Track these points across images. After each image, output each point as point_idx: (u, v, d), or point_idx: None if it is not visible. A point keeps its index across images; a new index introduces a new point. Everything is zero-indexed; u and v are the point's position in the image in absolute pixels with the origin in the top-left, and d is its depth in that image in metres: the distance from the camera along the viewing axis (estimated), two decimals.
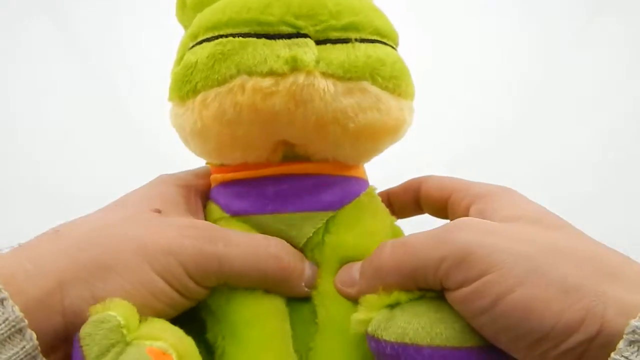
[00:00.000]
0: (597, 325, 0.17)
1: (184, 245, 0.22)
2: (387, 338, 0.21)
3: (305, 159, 0.25)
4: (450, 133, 0.76)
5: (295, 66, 0.21)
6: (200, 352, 0.22)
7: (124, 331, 0.19)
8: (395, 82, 0.23)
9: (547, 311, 0.18)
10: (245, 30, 0.21)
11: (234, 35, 0.22)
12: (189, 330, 0.23)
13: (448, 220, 0.28)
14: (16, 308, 0.19)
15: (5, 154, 0.74)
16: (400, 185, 0.31)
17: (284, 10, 0.21)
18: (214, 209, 0.27)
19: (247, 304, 0.24)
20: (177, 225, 0.23)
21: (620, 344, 0.17)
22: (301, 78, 0.21)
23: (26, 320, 0.19)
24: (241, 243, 0.23)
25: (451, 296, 0.21)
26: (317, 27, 0.21)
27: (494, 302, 0.19)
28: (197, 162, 0.30)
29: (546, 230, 0.21)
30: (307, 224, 0.25)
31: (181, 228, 0.23)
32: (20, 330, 0.19)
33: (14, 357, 0.18)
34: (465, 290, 0.20)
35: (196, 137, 0.24)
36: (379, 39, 0.23)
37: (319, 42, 0.22)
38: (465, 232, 0.21)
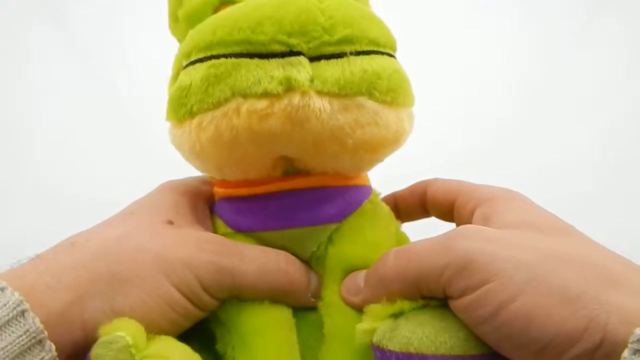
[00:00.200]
0: (601, 333, 0.17)
1: (202, 259, 0.23)
2: (392, 348, 0.21)
3: (306, 172, 0.25)
4: (450, 133, 0.76)
5: (289, 86, 0.20)
6: None
7: (133, 351, 0.20)
8: (393, 94, 0.23)
9: (549, 320, 0.18)
10: (237, 50, 0.21)
11: (226, 56, 0.21)
12: (198, 342, 0.24)
13: (454, 224, 0.28)
14: (37, 320, 0.19)
15: (5, 154, 0.74)
16: (406, 188, 0.31)
17: (275, 28, 0.21)
18: (219, 224, 0.27)
19: (256, 315, 0.24)
20: (194, 238, 0.24)
21: (625, 353, 0.17)
22: (296, 99, 0.21)
23: (46, 332, 0.19)
24: (254, 257, 0.24)
25: (454, 304, 0.21)
26: (310, 44, 0.21)
27: (496, 311, 0.19)
28: None
29: (549, 236, 0.21)
30: (311, 240, 0.25)
31: (198, 242, 0.24)
32: (40, 342, 0.19)
33: None
34: (467, 298, 0.20)
35: (195, 158, 0.24)
36: (375, 49, 0.23)
37: (312, 59, 0.21)
38: (467, 240, 0.21)
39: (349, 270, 0.25)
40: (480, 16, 0.83)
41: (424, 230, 0.31)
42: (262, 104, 0.21)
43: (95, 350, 0.20)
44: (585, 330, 0.18)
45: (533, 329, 0.18)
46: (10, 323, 0.19)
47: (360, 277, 0.25)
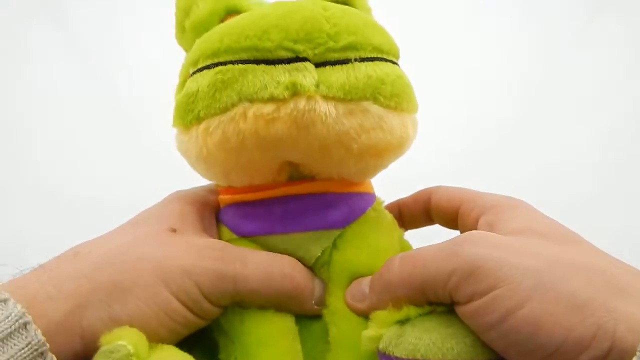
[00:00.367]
0: (609, 341, 0.17)
1: (203, 265, 0.23)
2: (398, 354, 0.21)
3: (311, 178, 0.25)
4: (450, 133, 0.76)
5: (295, 91, 0.21)
6: None
7: (134, 359, 0.20)
8: (397, 99, 0.23)
9: (557, 327, 0.18)
10: (244, 57, 0.21)
11: (233, 63, 0.22)
12: (200, 351, 0.24)
13: (458, 231, 0.28)
14: (39, 332, 0.19)
15: (5, 154, 0.74)
16: (410, 196, 0.31)
17: (281, 35, 0.21)
18: (224, 231, 0.27)
19: (259, 324, 0.24)
20: (195, 245, 0.24)
21: None
22: (302, 103, 0.21)
23: (48, 345, 0.19)
24: (257, 263, 0.24)
25: (461, 310, 0.20)
26: (316, 50, 0.21)
27: (503, 317, 0.19)
28: None
29: (554, 243, 0.21)
30: (315, 244, 0.25)
31: (199, 249, 0.24)
32: (42, 354, 0.19)
33: None
34: (474, 304, 0.20)
35: (202, 163, 0.25)
36: (378, 56, 0.23)
37: (318, 65, 0.21)
38: (475, 245, 0.21)
39: (353, 277, 0.25)
40: (480, 17, 0.83)
41: (427, 238, 0.31)
42: (268, 108, 0.21)
43: (97, 359, 0.20)
44: (594, 337, 0.17)
45: (541, 335, 0.18)
46: (12, 335, 0.19)
47: (365, 283, 0.24)
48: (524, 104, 0.80)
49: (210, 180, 0.28)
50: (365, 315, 0.24)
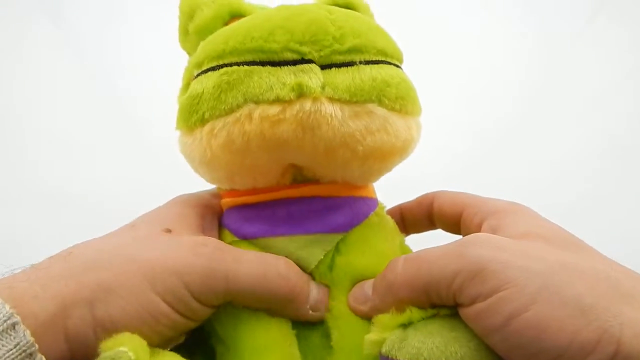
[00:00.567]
0: (614, 345, 0.17)
1: (193, 263, 0.22)
2: (401, 358, 0.21)
3: (315, 181, 0.25)
4: (450, 134, 0.76)
5: (301, 93, 0.21)
6: None
7: None
8: (401, 102, 0.23)
9: (562, 331, 0.18)
10: (250, 58, 0.21)
11: (238, 64, 0.22)
12: (202, 357, 0.24)
13: (460, 236, 0.28)
14: (27, 332, 0.19)
15: (5, 154, 0.74)
16: (412, 200, 0.31)
17: (287, 37, 0.21)
18: (226, 234, 0.27)
19: (254, 331, 0.24)
20: (187, 243, 0.23)
21: None
22: (308, 105, 0.21)
23: (36, 345, 0.19)
24: (250, 261, 0.23)
25: (465, 312, 0.20)
26: (322, 52, 0.21)
27: (507, 320, 0.19)
28: None
29: (559, 248, 0.21)
30: (318, 247, 0.25)
31: (191, 246, 0.23)
32: (30, 355, 0.19)
33: None
34: (478, 306, 0.20)
35: (206, 166, 0.24)
36: (383, 59, 0.23)
37: (323, 67, 0.22)
38: (480, 247, 0.21)
39: (356, 281, 0.25)
40: (480, 17, 0.83)
41: (429, 242, 0.31)
42: (274, 109, 0.21)
43: None
44: (599, 342, 0.17)
45: (545, 339, 0.18)
46: (0, 336, 0.18)
47: (367, 285, 0.24)
48: (524, 104, 0.80)
49: (213, 183, 0.28)
50: (367, 318, 0.24)
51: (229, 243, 0.26)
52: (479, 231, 0.25)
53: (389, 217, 0.29)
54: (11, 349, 0.18)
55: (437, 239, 0.30)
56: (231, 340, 0.24)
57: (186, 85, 0.26)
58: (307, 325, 0.25)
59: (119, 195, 0.72)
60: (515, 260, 0.20)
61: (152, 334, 0.21)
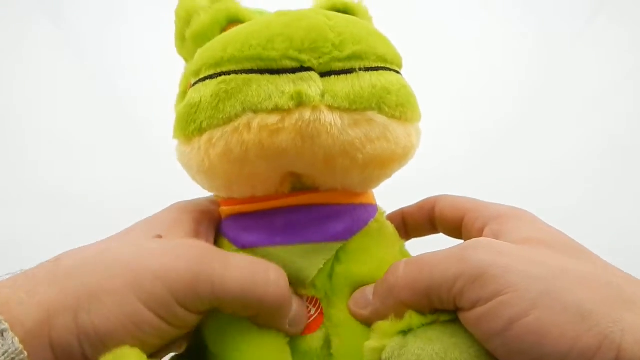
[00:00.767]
0: (615, 351, 0.17)
1: (177, 267, 0.21)
2: None
3: (314, 188, 0.25)
4: (449, 134, 0.76)
5: (300, 101, 0.21)
6: None
7: None
8: (401, 109, 0.23)
9: (562, 337, 0.18)
10: (248, 66, 0.21)
11: (236, 72, 0.21)
12: None
13: (462, 240, 0.28)
14: (16, 340, 0.18)
15: (5, 154, 0.74)
16: (414, 204, 0.31)
17: (286, 44, 0.21)
18: (224, 243, 0.27)
19: (246, 344, 0.23)
20: (173, 246, 0.23)
21: None
22: (307, 113, 0.21)
23: (26, 353, 0.19)
24: (238, 265, 0.23)
25: (465, 316, 0.20)
26: (321, 60, 0.21)
27: (508, 324, 0.19)
28: None
29: (561, 254, 0.21)
30: (318, 256, 0.25)
31: (176, 249, 0.22)
32: None
33: None
34: (479, 310, 0.19)
35: (204, 175, 0.24)
36: (382, 65, 0.23)
37: (323, 74, 0.21)
38: (481, 251, 0.21)
39: (356, 289, 0.25)
40: (480, 17, 0.83)
41: (430, 246, 0.31)
42: (273, 118, 0.21)
43: None
44: (599, 348, 0.17)
45: (545, 344, 0.18)
46: None
47: (368, 290, 0.24)
48: (524, 104, 0.80)
49: (211, 191, 0.28)
50: (368, 323, 0.24)
51: None
52: (481, 236, 0.25)
53: (388, 222, 0.29)
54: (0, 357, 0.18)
55: (438, 243, 0.31)
56: (222, 354, 0.23)
57: (183, 93, 0.25)
58: (307, 333, 0.25)
59: (119, 195, 0.72)
60: (516, 265, 0.20)
61: (138, 344, 0.21)
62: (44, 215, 0.71)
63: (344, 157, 0.22)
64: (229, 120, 0.21)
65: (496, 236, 0.24)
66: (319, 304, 0.26)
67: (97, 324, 0.20)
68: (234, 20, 0.25)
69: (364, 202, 0.27)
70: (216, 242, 0.27)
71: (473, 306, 0.20)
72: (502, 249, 0.21)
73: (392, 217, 0.31)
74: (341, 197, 0.26)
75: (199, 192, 0.30)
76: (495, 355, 0.20)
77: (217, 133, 0.22)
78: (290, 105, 0.21)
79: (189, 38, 0.26)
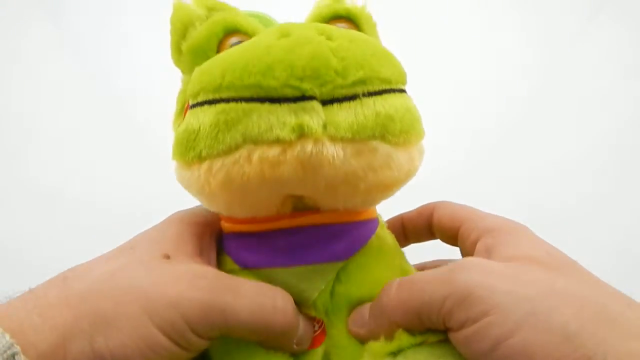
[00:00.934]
0: None
1: (192, 297, 0.22)
2: None
3: (315, 209, 0.25)
4: (449, 134, 0.76)
5: (302, 133, 0.20)
6: None
7: None
8: (405, 136, 0.22)
9: (547, 357, 0.18)
10: (247, 94, 0.20)
11: (236, 100, 0.21)
12: None
13: (459, 248, 0.28)
14: None
15: (5, 154, 0.74)
16: (413, 210, 0.31)
17: (287, 72, 0.20)
18: (227, 260, 0.27)
19: None
20: (185, 274, 0.23)
21: None
22: (309, 146, 0.20)
23: None
24: (248, 294, 0.23)
25: (454, 337, 0.21)
26: (323, 89, 0.20)
27: (495, 345, 0.19)
28: None
29: (550, 271, 0.21)
30: (319, 277, 0.25)
31: (189, 278, 0.23)
32: None
33: None
34: (467, 330, 0.20)
35: (204, 198, 0.24)
36: (387, 87, 0.22)
37: (325, 102, 0.21)
38: (468, 272, 0.21)
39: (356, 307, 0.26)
40: (479, 16, 0.83)
41: (429, 250, 0.31)
42: (274, 151, 0.20)
43: None
44: None
45: None
46: None
47: (365, 310, 0.25)
48: (524, 104, 0.80)
49: (211, 210, 0.27)
50: (365, 342, 0.24)
51: (230, 270, 0.26)
52: (475, 247, 0.25)
53: (388, 234, 0.29)
54: None
55: (437, 249, 0.31)
56: None
57: (181, 110, 0.25)
58: (310, 349, 0.25)
59: (119, 195, 0.72)
60: (502, 285, 0.20)
61: None
62: (43, 215, 0.71)
63: (346, 185, 0.22)
64: (229, 151, 0.21)
65: (489, 250, 0.24)
66: (322, 322, 0.26)
67: (114, 348, 0.20)
68: (231, 32, 0.25)
69: (366, 218, 0.27)
70: (218, 257, 0.27)
71: (461, 326, 0.20)
72: (489, 269, 0.21)
73: (391, 223, 0.31)
74: (343, 216, 0.25)
75: None
76: None
77: (217, 163, 0.21)
78: (291, 137, 0.20)
79: (186, 52, 0.26)
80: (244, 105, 0.20)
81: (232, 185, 0.22)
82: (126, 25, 0.80)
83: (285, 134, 0.20)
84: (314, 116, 0.20)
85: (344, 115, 0.21)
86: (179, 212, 0.28)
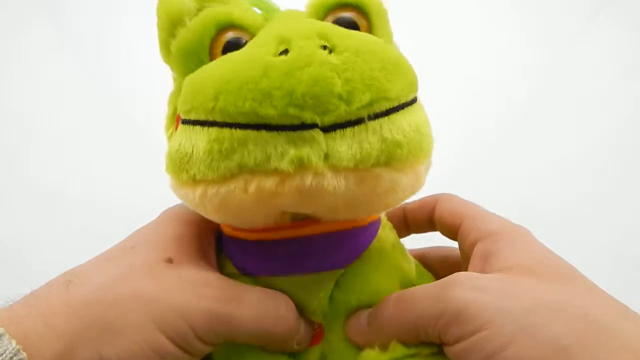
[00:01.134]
0: None
1: (199, 306, 0.22)
2: None
3: (315, 219, 0.24)
4: (449, 133, 0.76)
5: (302, 165, 0.19)
6: None
7: None
8: (412, 159, 0.21)
9: None
10: (243, 120, 0.19)
11: (230, 126, 0.19)
12: None
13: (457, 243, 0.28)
14: None
15: (5, 154, 0.74)
16: (416, 201, 0.31)
17: (285, 101, 0.18)
18: (227, 263, 0.26)
19: None
20: (191, 282, 0.23)
21: None
22: (309, 179, 0.19)
23: None
24: (252, 303, 0.24)
25: (449, 351, 0.21)
26: (325, 118, 0.18)
27: (487, 358, 0.19)
28: None
29: (544, 282, 0.22)
30: (319, 286, 0.25)
31: (196, 286, 0.23)
32: None
33: None
34: (461, 345, 0.21)
35: (200, 212, 0.23)
36: (395, 105, 0.20)
37: (327, 129, 0.19)
38: (460, 289, 0.22)
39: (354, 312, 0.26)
40: (480, 16, 0.83)
41: (428, 237, 0.31)
42: (271, 181, 0.19)
43: None
44: None
45: None
46: None
47: (364, 317, 0.25)
48: (524, 104, 0.80)
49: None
50: (362, 348, 0.24)
51: (229, 274, 0.25)
52: (473, 249, 0.26)
53: (389, 231, 0.28)
54: None
55: (437, 240, 0.31)
56: None
57: (172, 115, 0.24)
58: (306, 354, 0.26)
59: (119, 195, 0.72)
60: (494, 300, 0.21)
61: None
62: (43, 215, 0.71)
63: (347, 208, 0.21)
64: (224, 180, 0.20)
65: (485, 257, 0.24)
66: (321, 324, 0.26)
67: (122, 355, 0.21)
68: (225, 28, 0.23)
69: (367, 222, 0.26)
70: (218, 258, 0.27)
71: (456, 341, 0.21)
72: (482, 285, 0.22)
73: (393, 213, 0.31)
74: (343, 224, 0.24)
75: None
76: None
77: (212, 190, 0.20)
78: (290, 169, 0.19)
79: (175, 52, 0.23)
80: (239, 132, 0.19)
81: (228, 209, 0.21)
82: (126, 25, 0.80)
83: (283, 165, 0.19)
84: (314, 147, 0.19)
85: (347, 143, 0.19)
86: (174, 208, 0.28)
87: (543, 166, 0.75)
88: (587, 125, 0.77)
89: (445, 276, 0.23)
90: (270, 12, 0.24)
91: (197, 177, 0.20)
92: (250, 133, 0.19)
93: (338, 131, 0.19)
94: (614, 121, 0.76)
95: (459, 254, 0.28)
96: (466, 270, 0.25)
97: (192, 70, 0.22)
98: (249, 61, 0.19)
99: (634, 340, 0.19)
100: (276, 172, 0.19)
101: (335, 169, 0.19)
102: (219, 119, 0.19)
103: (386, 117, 0.20)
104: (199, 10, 0.23)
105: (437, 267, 0.30)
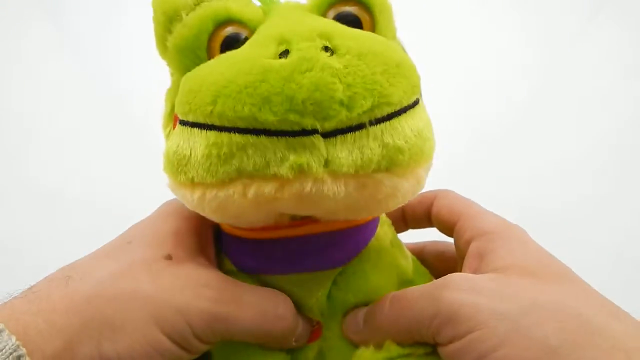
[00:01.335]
0: None
1: (198, 306, 0.23)
2: None
3: (314, 219, 0.24)
4: (449, 133, 0.76)
5: (302, 171, 0.18)
6: None
7: None
8: (414, 164, 0.20)
9: None
10: (242, 125, 0.18)
11: (229, 130, 0.19)
12: None
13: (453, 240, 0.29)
14: None
15: (5, 154, 0.74)
16: (415, 197, 0.31)
17: (285, 106, 0.18)
18: (225, 261, 0.26)
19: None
20: (192, 280, 0.23)
21: None
22: (308, 185, 0.19)
23: None
24: (251, 303, 0.24)
25: (443, 351, 0.22)
26: (326, 124, 0.18)
27: (480, 358, 0.20)
28: None
29: (538, 282, 0.22)
30: (317, 285, 0.25)
31: (196, 285, 0.23)
32: None
33: None
34: (454, 345, 0.21)
35: (198, 212, 0.23)
36: (398, 109, 0.20)
37: (327, 135, 0.18)
38: (453, 290, 0.22)
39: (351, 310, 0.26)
40: (480, 15, 0.83)
41: (425, 231, 0.31)
42: (270, 187, 0.19)
43: None
44: None
45: None
46: None
47: (360, 315, 0.25)
48: (524, 103, 0.80)
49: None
50: (359, 346, 0.24)
51: (228, 271, 0.25)
52: (468, 247, 0.26)
53: (387, 228, 0.28)
54: None
55: (435, 235, 0.31)
56: None
57: (170, 112, 0.23)
58: (304, 351, 0.26)
59: (119, 195, 0.72)
60: (487, 302, 0.21)
61: None
62: (43, 215, 0.71)
63: (347, 211, 0.21)
64: (223, 184, 0.19)
65: (480, 256, 0.24)
66: (319, 321, 0.26)
67: (121, 352, 0.21)
68: (223, 23, 0.22)
69: (366, 220, 0.26)
70: (217, 254, 0.27)
71: (449, 342, 0.21)
72: (474, 286, 0.22)
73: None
74: (342, 223, 0.24)
75: None
76: None
77: (210, 193, 0.20)
78: (290, 175, 0.18)
79: (172, 48, 0.23)
80: (237, 137, 0.19)
81: (227, 212, 0.21)
82: (126, 25, 0.80)
83: (283, 171, 0.18)
84: (314, 153, 0.18)
85: (348, 149, 0.19)
86: (172, 202, 0.28)
87: (543, 166, 0.75)
88: (587, 125, 0.77)
89: (441, 271, 0.24)
90: (269, 5, 0.24)
91: (196, 180, 0.20)
92: (250, 138, 0.18)
93: (338, 137, 0.19)
94: (614, 121, 0.76)
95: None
96: (461, 267, 0.25)
97: (189, 67, 0.22)
98: (248, 63, 0.19)
99: (626, 340, 0.19)
100: (275, 177, 0.19)
101: (336, 174, 0.19)
102: (217, 123, 0.19)
103: (387, 122, 0.19)
104: (196, 4, 0.23)
105: (433, 262, 0.31)
